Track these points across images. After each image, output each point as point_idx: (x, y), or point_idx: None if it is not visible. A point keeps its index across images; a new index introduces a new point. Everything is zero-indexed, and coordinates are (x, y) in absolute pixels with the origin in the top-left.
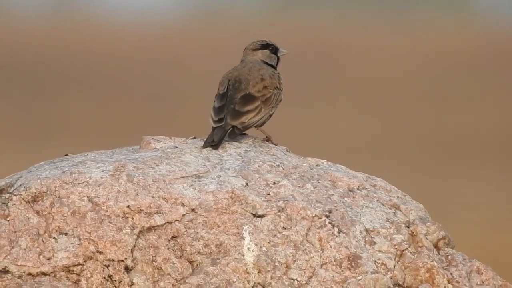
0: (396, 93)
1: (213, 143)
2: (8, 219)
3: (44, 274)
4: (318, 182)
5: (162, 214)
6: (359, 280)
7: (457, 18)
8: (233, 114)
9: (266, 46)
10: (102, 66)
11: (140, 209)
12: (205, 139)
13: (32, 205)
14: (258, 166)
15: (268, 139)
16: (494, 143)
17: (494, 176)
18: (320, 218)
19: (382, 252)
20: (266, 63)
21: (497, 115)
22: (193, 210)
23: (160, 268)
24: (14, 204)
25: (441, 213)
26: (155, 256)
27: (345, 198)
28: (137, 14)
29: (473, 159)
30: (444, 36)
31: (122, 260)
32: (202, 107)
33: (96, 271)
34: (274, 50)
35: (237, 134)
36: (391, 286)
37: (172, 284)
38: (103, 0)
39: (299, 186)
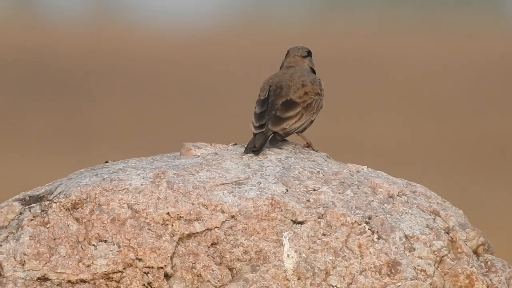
0: (437, 99)
1: (255, 149)
2: (47, 226)
3: (83, 281)
4: (358, 189)
5: (202, 221)
6: (399, 286)
7: (494, 24)
8: (274, 120)
9: (310, 53)
10: (143, 73)
11: (180, 216)
12: (246, 145)
13: (71, 212)
14: (299, 172)
15: (308, 145)
16: None
17: None
18: (360, 224)
19: (421, 258)
20: (312, 69)
21: None
22: (232, 217)
23: (200, 275)
24: (54, 212)
25: (481, 219)
26: (194, 263)
27: (385, 205)
28: (178, 20)
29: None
30: (485, 42)
31: (162, 267)
32: (241, 113)
33: (136, 278)
34: (312, 56)
35: (278, 140)
36: None
37: None
38: (144, 7)
39: (339, 193)
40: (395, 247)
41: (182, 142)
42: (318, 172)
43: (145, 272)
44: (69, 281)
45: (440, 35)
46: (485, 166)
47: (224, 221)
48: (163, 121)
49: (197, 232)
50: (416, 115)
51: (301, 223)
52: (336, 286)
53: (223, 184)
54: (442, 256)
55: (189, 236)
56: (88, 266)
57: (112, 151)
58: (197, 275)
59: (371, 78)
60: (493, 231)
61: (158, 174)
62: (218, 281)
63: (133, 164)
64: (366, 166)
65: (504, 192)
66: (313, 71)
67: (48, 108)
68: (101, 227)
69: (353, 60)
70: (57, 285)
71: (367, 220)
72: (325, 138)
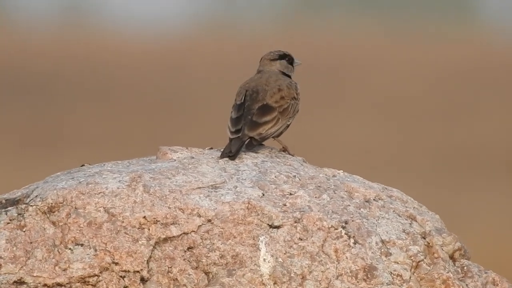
0: (409, 104)
1: (231, 154)
2: (24, 229)
3: (59, 285)
4: (335, 193)
5: (178, 224)
6: None
7: (466, 30)
8: (250, 125)
9: (283, 56)
10: (113, 78)
11: (156, 220)
12: (222, 150)
13: (48, 215)
14: (275, 176)
15: (284, 149)
16: (507, 156)
17: (508, 188)
18: (336, 229)
19: (398, 263)
20: (283, 73)
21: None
22: (209, 220)
23: (176, 279)
24: (30, 215)
25: (457, 224)
26: (171, 267)
27: (362, 209)
28: (146, 26)
29: (487, 172)
30: (457, 48)
31: (138, 271)
32: (214, 118)
33: (112, 282)
34: (290, 60)
35: (255, 145)
36: None
37: None
38: (113, 12)
39: (316, 197)
40: (372, 252)
41: (158, 146)
42: (295, 176)
43: (121, 276)
44: (45, 285)
45: (412, 41)
46: (460, 172)
47: (200, 225)
48: (135, 126)
49: (174, 236)
50: (389, 120)
51: (278, 227)
52: None
53: (200, 188)
54: (419, 261)
55: (165, 240)
56: (65, 269)
57: (86, 157)
58: (173, 279)
59: (342, 83)
60: (469, 236)
61: (135, 177)
62: (194, 285)
63: (109, 168)
64: (342, 171)
65: (479, 197)
66: (285, 75)
67: (18, 114)
68: (78, 231)
69: (324, 65)
70: None
71: (343, 224)
72: (301, 143)
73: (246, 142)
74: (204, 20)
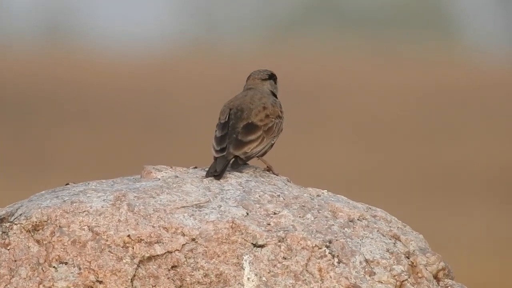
0: (392, 126)
1: (216, 173)
2: (8, 248)
3: None
4: (319, 213)
5: (163, 243)
6: None
7: (447, 52)
8: (235, 144)
9: (271, 76)
10: (96, 98)
11: (141, 239)
12: (207, 169)
13: (32, 234)
14: (259, 196)
15: (269, 169)
16: (488, 177)
17: (489, 208)
18: (320, 248)
19: (382, 282)
20: (272, 93)
21: (494, 149)
22: (193, 239)
23: None
24: (15, 233)
25: (439, 244)
26: (155, 285)
27: (346, 229)
28: (130, 47)
29: (468, 192)
30: (438, 70)
31: None
32: (197, 137)
33: None
34: (276, 80)
35: (240, 164)
36: None
37: None
38: (97, 33)
39: (300, 216)
40: (356, 271)
41: (141, 165)
42: (279, 195)
43: None
44: None
45: (394, 63)
46: (441, 192)
47: (184, 244)
48: (120, 145)
49: (158, 255)
50: (370, 142)
51: (262, 246)
52: None
53: (184, 207)
54: (403, 281)
55: (149, 258)
56: None
57: (71, 175)
58: None
59: (324, 105)
60: (452, 256)
61: (119, 196)
62: None
63: (93, 187)
64: (326, 190)
65: (460, 218)
66: (274, 95)
67: (4, 132)
68: (62, 249)
69: (305, 86)
70: None
71: (327, 244)
72: (285, 162)
73: (231, 161)
74: (187, 42)
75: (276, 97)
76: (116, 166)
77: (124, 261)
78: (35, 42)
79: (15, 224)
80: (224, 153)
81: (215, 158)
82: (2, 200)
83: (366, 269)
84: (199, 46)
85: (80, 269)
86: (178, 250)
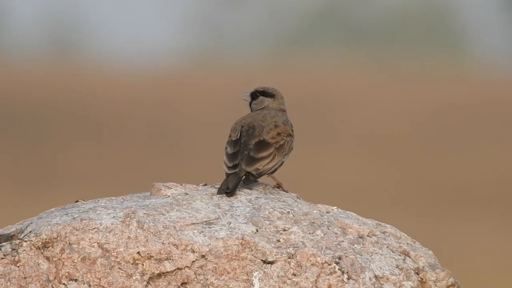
0: (400, 141)
1: (228, 190)
2: (18, 265)
3: None
4: (328, 229)
5: (172, 260)
6: None
7: (455, 66)
8: (247, 160)
9: (262, 93)
10: (104, 112)
11: (150, 256)
12: (217, 186)
13: (42, 251)
14: (269, 212)
15: (279, 186)
16: (497, 190)
17: (498, 221)
18: (330, 264)
19: None
20: (281, 109)
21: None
22: (203, 256)
23: None
24: (25, 250)
25: (450, 259)
26: None
27: (355, 245)
28: (138, 61)
29: (477, 206)
30: (443, 84)
31: None
32: (204, 152)
33: None
34: (273, 96)
35: (252, 180)
36: None
37: None
38: (105, 47)
39: (309, 233)
40: (365, 287)
41: (150, 181)
42: (288, 212)
43: None
44: None
45: (401, 78)
46: (449, 206)
47: (194, 261)
48: (128, 161)
49: (168, 272)
50: (378, 157)
51: (271, 263)
52: None
53: (194, 224)
54: None
55: (159, 275)
56: None
57: (80, 192)
58: None
59: (331, 120)
60: (462, 271)
61: (129, 213)
62: None
63: (103, 204)
64: (336, 207)
65: (469, 232)
66: (283, 111)
67: (12, 148)
68: (72, 266)
69: (313, 100)
70: None
71: (337, 260)
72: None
73: (242, 178)
74: (195, 55)
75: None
76: (124, 181)
77: (134, 278)
78: (43, 57)
79: (25, 241)
80: (236, 170)
81: (227, 175)
82: (11, 216)
83: (376, 285)
84: (207, 60)
85: (90, 286)
86: (188, 267)
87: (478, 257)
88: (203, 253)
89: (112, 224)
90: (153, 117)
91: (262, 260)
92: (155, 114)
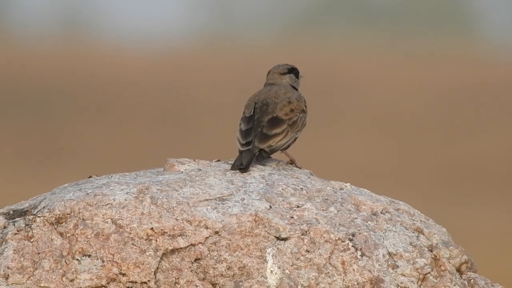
0: (411, 121)
1: (242, 166)
2: (31, 240)
3: None
4: (342, 206)
5: (186, 236)
6: None
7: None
8: (260, 137)
9: (292, 70)
10: (114, 91)
11: (164, 232)
12: (231, 162)
13: (55, 226)
14: (282, 189)
15: (292, 162)
16: (509, 170)
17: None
18: (343, 241)
19: (404, 275)
20: (292, 86)
21: None
22: (216, 232)
23: None
24: (38, 226)
25: (463, 237)
26: (178, 278)
27: (369, 222)
28: (148, 41)
29: (489, 186)
30: (456, 64)
31: (145, 282)
32: (216, 129)
33: None
34: (297, 74)
35: (265, 157)
36: None
37: None
38: (114, 27)
39: (323, 210)
40: (379, 264)
41: (161, 158)
42: (302, 189)
43: (128, 287)
44: None
45: (411, 57)
46: (460, 186)
47: (207, 237)
48: (139, 138)
49: (181, 248)
50: (389, 137)
51: (285, 239)
52: None
53: (207, 200)
54: (425, 274)
55: (172, 251)
56: (72, 280)
57: (91, 168)
58: None
59: (342, 99)
60: (476, 249)
61: (142, 189)
62: None
63: (116, 180)
64: (349, 184)
65: (481, 212)
66: (294, 88)
67: (23, 125)
68: (85, 242)
69: (324, 80)
70: None
71: (350, 237)
72: (308, 156)
73: (256, 154)
74: (205, 34)
75: (298, 91)
76: (136, 159)
77: (147, 253)
78: (52, 36)
79: (38, 216)
80: (250, 147)
81: (241, 152)
82: (24, 192)
83: (389, 262)
84: (217, 40)
85: (103, 261)
86: (201, 243)
87: (492, 237)
88: (217, 229)
89: (125, 200)
90: (163, 96)
91: (275, 236)
92: (165, 93)
